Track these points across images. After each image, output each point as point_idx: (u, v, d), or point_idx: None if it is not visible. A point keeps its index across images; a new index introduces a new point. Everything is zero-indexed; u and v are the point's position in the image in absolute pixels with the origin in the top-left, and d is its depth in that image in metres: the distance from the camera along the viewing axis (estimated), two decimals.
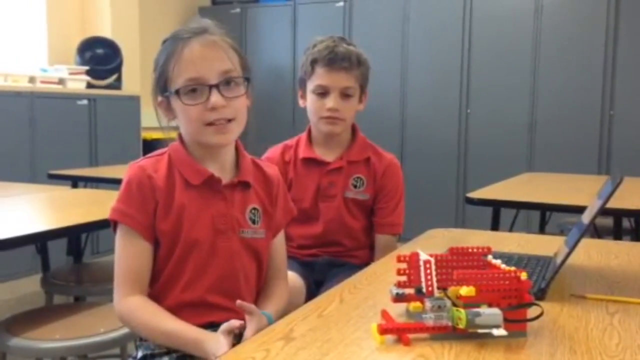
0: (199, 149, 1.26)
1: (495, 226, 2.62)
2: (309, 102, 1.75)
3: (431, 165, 5.14)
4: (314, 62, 1.71)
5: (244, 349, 0.88)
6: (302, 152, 1.78)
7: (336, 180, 1.75)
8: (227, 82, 1.21)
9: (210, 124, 1.20)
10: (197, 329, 1.15)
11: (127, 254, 1.20)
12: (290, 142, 1.83)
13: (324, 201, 1.75)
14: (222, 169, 1.27)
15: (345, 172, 1.76)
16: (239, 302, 1.16)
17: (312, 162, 1.77)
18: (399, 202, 1.78)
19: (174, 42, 1.21)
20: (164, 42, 1.25)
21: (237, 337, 1.14)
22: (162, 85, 1.23)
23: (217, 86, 1.19)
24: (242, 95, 1.23)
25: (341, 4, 5.40)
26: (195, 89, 1.19)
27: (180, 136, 1.28)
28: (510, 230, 3.04)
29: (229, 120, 1.21)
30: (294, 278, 1.63)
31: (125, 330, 1.68)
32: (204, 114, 1.19)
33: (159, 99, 1.25)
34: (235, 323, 1.11)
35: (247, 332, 1.14)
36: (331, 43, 1.71)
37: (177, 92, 1.19)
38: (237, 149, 1.31)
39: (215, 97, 1.18)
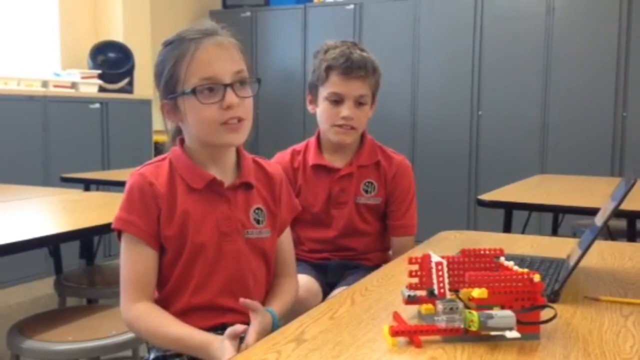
0: (201, 152, 1.25)
1: (507, 228, 2.61)
2: (322, 109, 1.72)
3: (442, 167, 5.12)
4: (328, 69, 1.68)
5: (255, 350, 0.88)
6: (312, 159, 1.76)
7: (347, 186, 1.74)
8: (240, 82, 1.21)
9: (223, 123, 1.20)
10: (203, 332, 1.16)
11: (133, 262, 1.21)
12: (299, 147, 1.82)
13: (335, 208, 1.74)
14: (223, 172, 1.27)
15: (356, 177, 1.74)
16: (241, 300, 1.16)
17: (322, 169, 1.76)
18: (411, 203, 1.77)
19: (182, 43, 1.20)
20: (167, 44, 1.24)
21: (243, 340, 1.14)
22: (170, 88, 1.22)
23: (231, 85, 1.19)
24: (252, 96, 1.24)
25: (351, 7, 5.40)
26: (212, 87, 1.19)
27: (181, 141, 1.28)
28: (523, 232, 3.02)
29: (240, 120, 1.21)
30: (310, 282, 1.63)
31: None
32: (219, 112, 1.19)
33: (164, 101, 1.25)
34: (239, 327, 1.11)
35: (251, 330, 1.14)
36: (346, 50, 1.68)
37: (193, 91, 1.18)
38: (237, 150, 1.31)
39: (231, 96, 1.19)
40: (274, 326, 1.19)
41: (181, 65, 1.19)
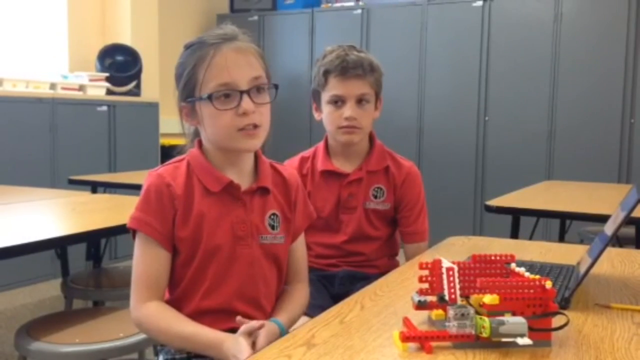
0: (219, 155, 1.26)
1: (514, 234, 2.60)
2: (326, 113, 1.73)
3: (449, 173, 5.11)
4: (326, 73, 1.70)
5: (265, 354, 0.88)
6: (321, 165, 1.76)
7: (356, 191, 1.74)
8: (257, 88, 1.21)
9: (240, 129, 1.20)
10: (215, 331, 1.15)
11: (145, 262, 1.21)
12: (307, 153, 1.82)
13: (344, 213, 1.74)
14: (241, 175, 1.27)
15: (365, 182, 1.74)
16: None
17: (331, 174, 1.76)
18: (422, 210, 1.77)
19: (202, 48, 1.21)
20: (188, 47, 1.24)
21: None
22: (188, 91, 1.23)
23: (247, 92, 1.20)
24: (269, 102, 1.24)
25: (359, 11, 5.40)
26: (228, 94, 1.19)
27: (199, 143, 1.28)
28: (530, 238, 3.01)
29: (256, 126, 1.21)
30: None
31: (144, 335, 1.69)
32: (235, 119, 1.19)
33: (182, 104, 1.25)
34: (255, 324, 1.11)
35: (259, 344, 1.12)
36: (341, 52, 1.70)
37: (210, 97, 1.19)
38: (255, 154, 1.31)
39: (247, 103, 1.19)
40: (282, 336, 1.17)
41: (199, 70, 1.20)
